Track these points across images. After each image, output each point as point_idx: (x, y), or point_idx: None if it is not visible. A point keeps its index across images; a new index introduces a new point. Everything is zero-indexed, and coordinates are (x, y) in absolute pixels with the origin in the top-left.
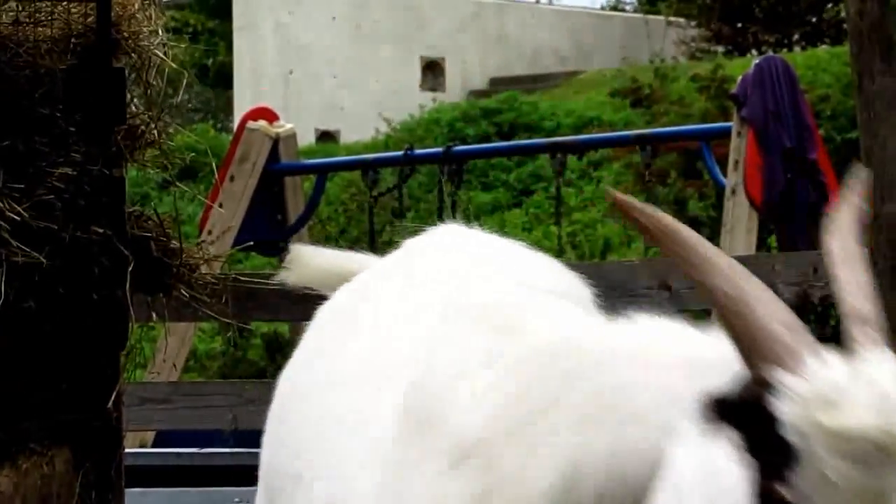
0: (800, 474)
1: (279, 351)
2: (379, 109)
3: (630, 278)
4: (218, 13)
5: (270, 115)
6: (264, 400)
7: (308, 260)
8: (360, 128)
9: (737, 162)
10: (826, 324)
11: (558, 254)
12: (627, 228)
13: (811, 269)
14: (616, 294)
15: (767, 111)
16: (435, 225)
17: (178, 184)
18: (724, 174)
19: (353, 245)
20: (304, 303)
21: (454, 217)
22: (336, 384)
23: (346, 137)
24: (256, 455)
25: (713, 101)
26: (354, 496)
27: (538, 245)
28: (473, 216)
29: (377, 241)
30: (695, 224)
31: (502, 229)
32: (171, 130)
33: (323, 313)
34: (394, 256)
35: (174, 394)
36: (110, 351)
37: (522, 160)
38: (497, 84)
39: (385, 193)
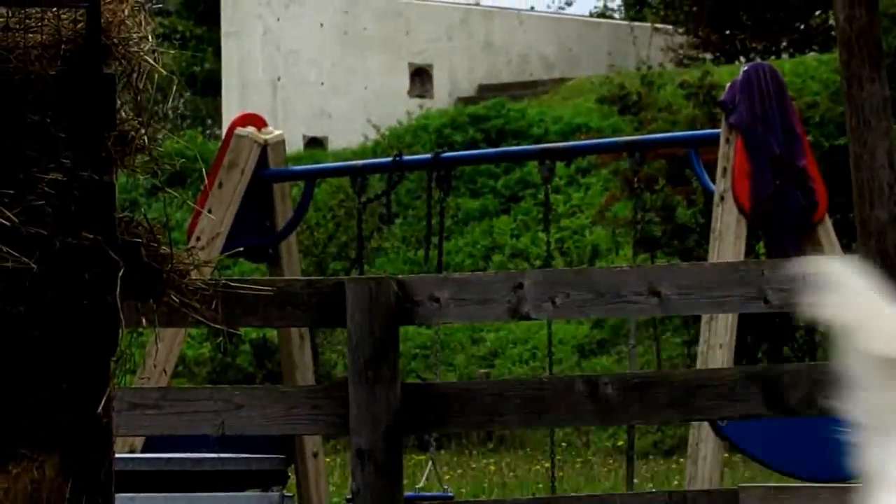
0: None
1: (268, 357)
2: (367, 116)
3: (619, 284)
4: (206, 20)
5: (259, 122)
6: (252, 406)
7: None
8: (348, 134)
9: (725, 168)
10: (814, 331)
11: (546, 260)
12: (616, 235)
13: (800, 275)
14: (605, 300)
15: (756, 118)
16: (423, 231)
17: (167, 189)
18: (713, 181)
19: (341, 251)
20: (294, 309)
21: (442, 223)
22: None
23: (335, 144)
24: (244, 460)
25: (701, 108)
26: None
27: (526, 251)
28: (462, 222)
29: (365, 248)
30: (683, 230)
31: (490, 236)
32: (160, 136)
33: None
34: None
35: (163, 399)
36: (100, 356)
37: (510, 167)
38: (485, 91)
39: (373, 200)
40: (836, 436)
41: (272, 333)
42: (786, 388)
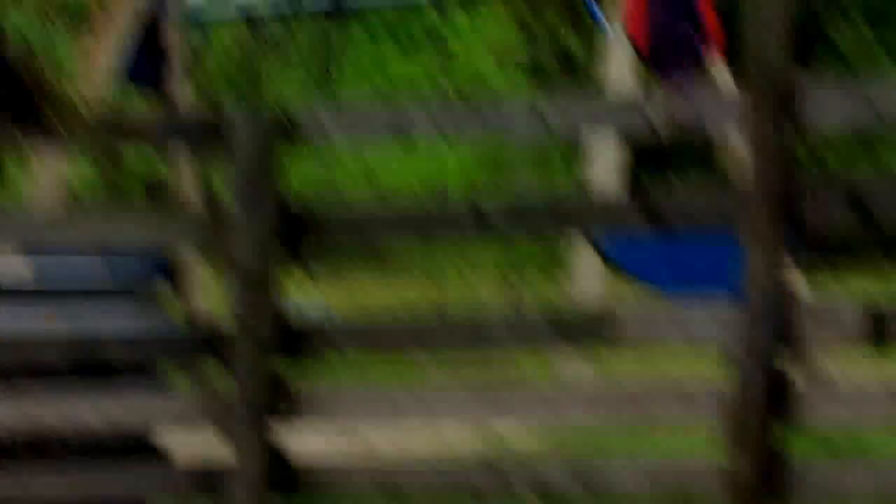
0: None
1: (159, 193)
2: None
3: (505, 110)
4: None
5: None
6: (132, 222)
7: None
8: None
9: (618, 4)
10: (706, 163)
11: (439, 93)
12: (507, 69)
13: (689, 105)
14: (491, 127)
15: None
16: (321, 76)
17: (55, 22)
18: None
19: (237, 93)
20: (178, 136)
21: (341, 68)
22: None
23: None
24: (116, 267)
25: None
26: None
27: (419, 88)
28: (357, 65)
29: (262, 92)
30: (575, 65)
31: (387, 78)
32: None
33: None
34: None
35: (46, 222)
36: None
37: (406, 8)
38: None
39: (272, 45)
40: (719, 256)
41: (163, 172)
42: (670, 211)
